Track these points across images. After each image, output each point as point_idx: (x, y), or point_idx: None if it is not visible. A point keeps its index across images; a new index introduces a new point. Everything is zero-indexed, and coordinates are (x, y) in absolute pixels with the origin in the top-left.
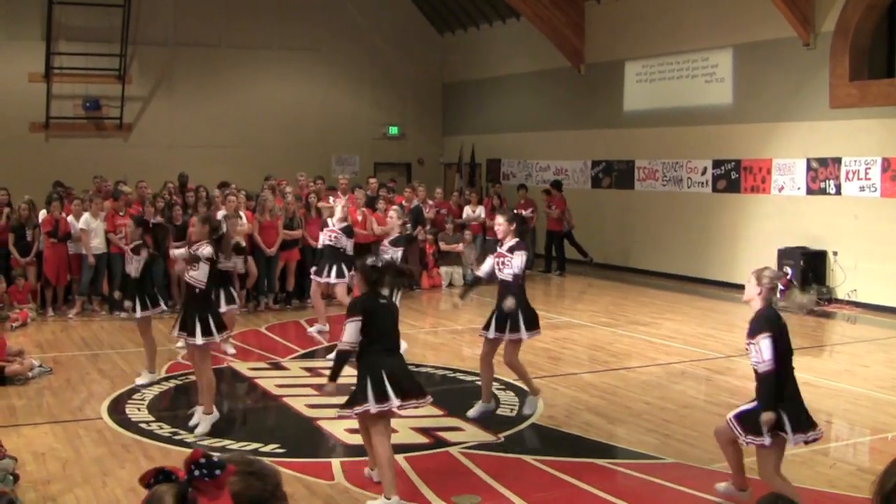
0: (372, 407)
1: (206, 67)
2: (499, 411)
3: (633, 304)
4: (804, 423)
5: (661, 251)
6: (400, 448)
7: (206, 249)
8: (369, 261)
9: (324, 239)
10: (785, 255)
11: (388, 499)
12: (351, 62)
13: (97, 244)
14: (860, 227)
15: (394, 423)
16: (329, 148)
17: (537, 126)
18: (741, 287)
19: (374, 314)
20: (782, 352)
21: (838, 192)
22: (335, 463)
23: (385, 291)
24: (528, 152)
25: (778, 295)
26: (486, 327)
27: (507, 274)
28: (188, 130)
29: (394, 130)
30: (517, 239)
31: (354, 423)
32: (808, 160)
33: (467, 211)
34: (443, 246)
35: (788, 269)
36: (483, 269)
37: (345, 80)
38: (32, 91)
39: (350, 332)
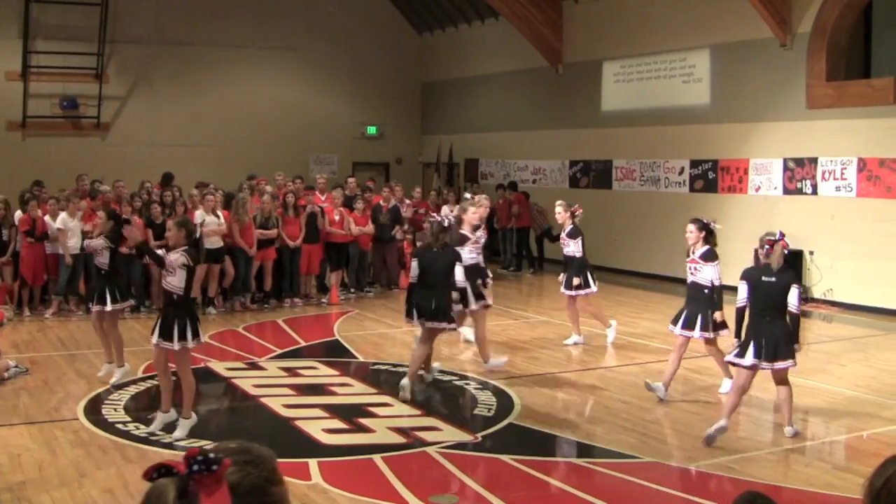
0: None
1: (185, 66)
2: (476, 411)
3: (612, 304)
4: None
5: (638, 251)
6: (377, 448)
7: (181, 258)
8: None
9: None
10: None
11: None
12: (330, 62)
13: (74, 244)
14: (836, 227)
15: (371, 422)
16: (307, 147)
17: (515, 126)
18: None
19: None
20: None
21: (815, 192)
22: (312, 463)
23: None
24: (506, 152)
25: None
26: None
27: (700, 278)
28: (166, 129)
29: (372, 130)
30: (707, 246)
31: (332, 423)
32: (785, 160)
33: (445, 210)
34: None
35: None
36: None
37: (323, 79)
38: (9, 90)
39: (411, 270)
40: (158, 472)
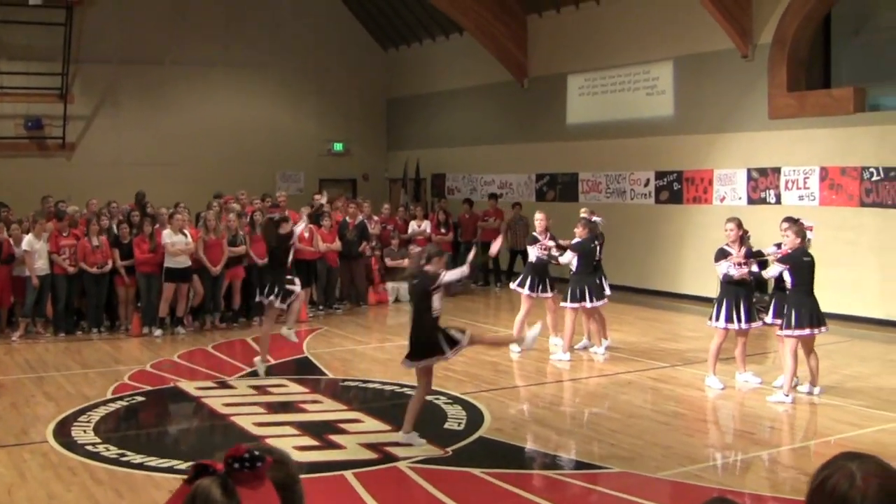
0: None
1: (151, 85)
2: (446, 425)
3: (578, 317)
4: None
5: (606, 263)
6: (348, 464)
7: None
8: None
9: None
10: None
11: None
12: (295, 79)
13: (41, 265)
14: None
15: (342, 438)
16: (274, 165)
17: (481, 140)
18: (685, 297)
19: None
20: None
21: (778, 202)
22: None
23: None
24: (472, 166)
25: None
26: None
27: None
28: (133, 149)
29: (338, 146)
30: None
31: (303, 440)
32: (749, 170)
33: (413, 226)
34: (388, 262)
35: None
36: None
37: (289, 96)
38: None
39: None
40: (197, 471)
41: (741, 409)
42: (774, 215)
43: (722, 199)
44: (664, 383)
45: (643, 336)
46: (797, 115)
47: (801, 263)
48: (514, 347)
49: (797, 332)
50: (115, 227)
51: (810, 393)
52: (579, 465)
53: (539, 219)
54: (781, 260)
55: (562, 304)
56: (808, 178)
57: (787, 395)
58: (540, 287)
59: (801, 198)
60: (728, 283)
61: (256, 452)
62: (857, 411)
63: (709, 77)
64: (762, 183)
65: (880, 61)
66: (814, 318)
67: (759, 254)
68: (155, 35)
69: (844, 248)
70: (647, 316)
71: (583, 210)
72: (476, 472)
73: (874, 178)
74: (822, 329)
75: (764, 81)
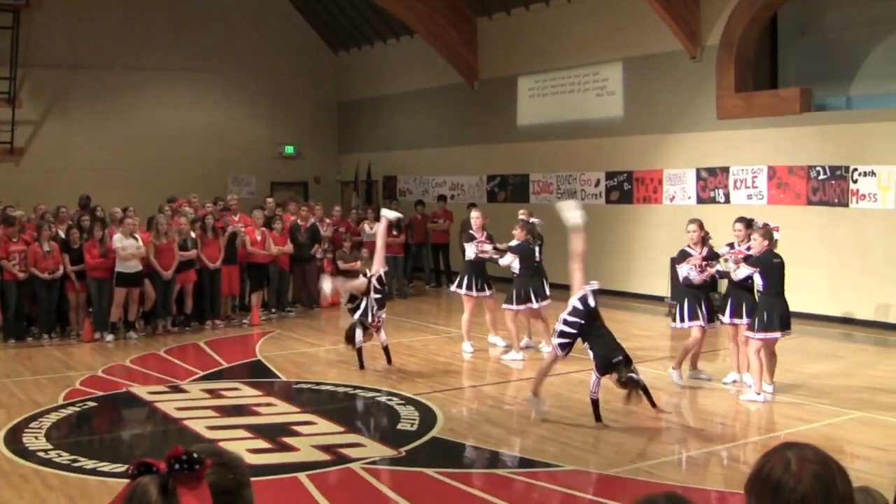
0: None
1: (101, 90)
2: (399, 425)
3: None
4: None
5: (556, 263)
6: (301, 466)
7: None
8: None
9: None
10: (678, 263)
11: None
12: (246, 82)
13: None
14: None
15: (295, 441)
16: (225, 168)
17: (433, 142)
18: (636, 296)
19: None
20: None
21: (727, 201)
22: None
23: None
24: (424, 169)
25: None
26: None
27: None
28: (83, 154)
29: (290, 150)
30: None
31: (256, 443)
32: (698, 170)
33: (365, 228)
34: (341, 264)
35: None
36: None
37: (240, 100)
38: None
39: None
40: (139, 469)
41: (692, 405)
42: (724, 214)
43: (672, 199)
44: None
45: None
46: (745, 116)
47: (772, 265)
48: (467, 347)
49: (770, 335)
50: (62, 232)
51: (750, 387)
52: (532, 463)
53: (475, 217)
54: (752, 263)
55: (505, 306)
56: (756, 177)
57: (758, 394)
58: (478, 286)
59: (749, 197)
60: (688, 286)
61: (195, 455)
62: (807, 406)
63: (658, 78)
64: (711, 182)
65: (826, 62)
66: (784, 321)
67: (716, 255)
68: (104, 40)
69: (792, 246)
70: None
71: (521, 212)
72: (429, 472)
73: (821, 176)
74: (788, 332)
75: (712, 82)
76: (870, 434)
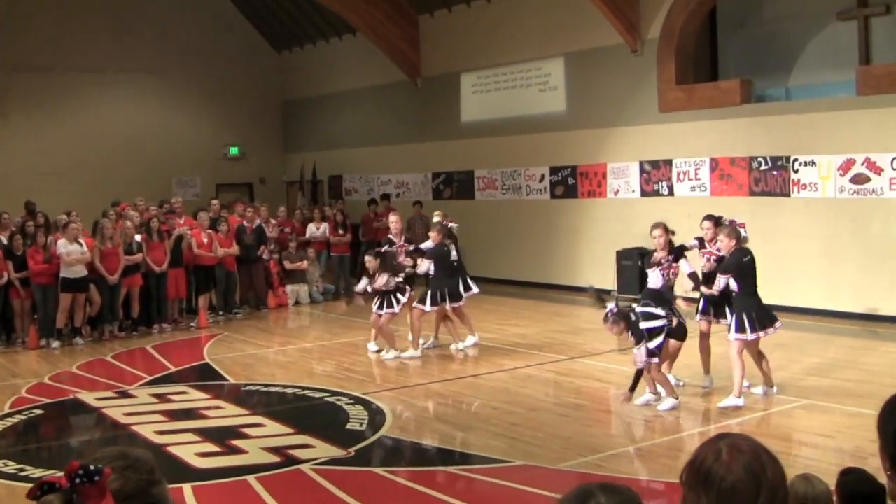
0: None
1: (39, 93)
2: (348, 426)
3: (479, 312)
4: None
5: (503, 259)
6: (251, 468)
7: None
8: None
9: None
10: (623, 256)
11: None
12: (189, 83)
13: None
14: (694, 226)
15: (244, 443)
16: (169, 170)
17: (377, 140)
18: (583, 290)
19: None
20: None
21: (671, 193)
22: (187, 488)
23: None
24: (369, 167)
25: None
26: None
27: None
28: (23, 158)
29: (234, 150)
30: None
31: (205, 447)
32: (641, 163)
33: (311, 228)
34: (287, 265)
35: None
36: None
37: (183, 101)
38: None
39: None
40: (42, 489)
41: (641, 399)
42: (668, 206)
43: (616, 193)
44: (565, 376)
45: (543, 330)
46: (686, 108)
47: (743, 266)
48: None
49: (751, 336)
50: (4, 238)
51: (766, 394)
52: (481, 459)
53: (393, 221)
54: (724, 269)
55: (416, 305)
56: (699, 169)
57: (738, 398)
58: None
59: (692, 189)
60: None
61: (92, 466)
62: (753, 395)
63: (599, 72)
64: (655, 175)
65: (765, 54)
66: (764, 319)
67: (682, 248)
68: (42, 41)
69: None
70: (547, 310)
71: (436, 213)
72: (379, 471)
73: (762, 167)
74: (771, 329)
75: (653, 75)
76: (817, 421)
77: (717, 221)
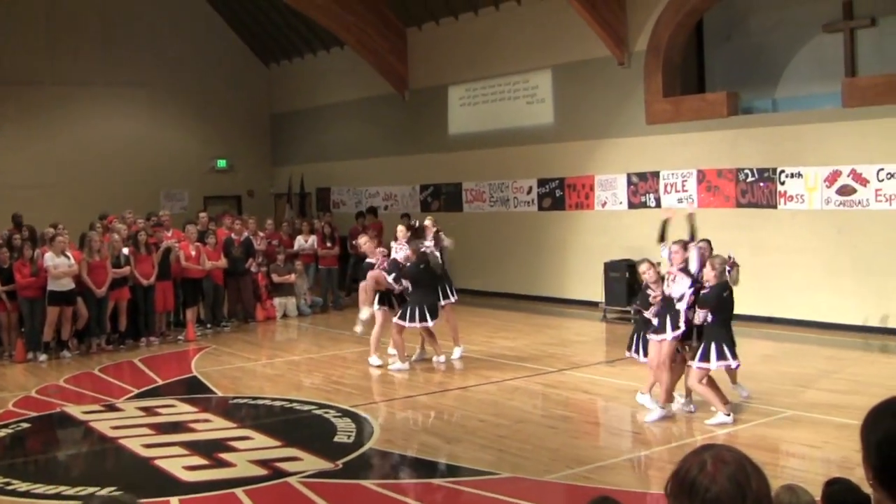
0: None
1: (28, 106)
2: (336, 438)
3: (467, 325)
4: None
5: (491, 271)
6: (238, 482)
7: None
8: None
9: None
10: (611, 268)
11: None
12: (177, 96)
13: None
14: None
15: (232, 456)
16: (157, 183)
17: (365, 153)
18: (571, 302)
19: None
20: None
21: (658, 205)
22: (174, 501)
23: None
24: (357, 179)
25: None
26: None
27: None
28: (11, 171)
29: (222, 163)
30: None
31: (192, 460)
32: (629, 175)
33: (299, 241)
34: (275, 277)
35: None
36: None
37: (171, 114)
38: None
39: None
40: None
41: (629, 410)
42: (655, 218)
43: (603, 205)
44: (552, 388)
45: (530, 342)
46: (673, 120)
47: (723, 302)
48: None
49: (714, 366)
50: None
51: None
52: (469, 471)
53: (363, 242)
54: (702, 304)
55: (396, 320)
56: (686, 181)
57: (727, 415)
58: (381, 299)
59: (680, 200)
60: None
61: None
62: (742, 408)
63: (587, 84)
64: (642, 187)
65: (752, 66)
66: (731, 352)
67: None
68: (32, 55)
69: (723, 249)
70: (535, 322)
71: (427, 218)
72: (367, 483)
73: (749, 179)
74: (733, 363)
75: (640, 88)
76: (804, 431)
77: (685, 245)
